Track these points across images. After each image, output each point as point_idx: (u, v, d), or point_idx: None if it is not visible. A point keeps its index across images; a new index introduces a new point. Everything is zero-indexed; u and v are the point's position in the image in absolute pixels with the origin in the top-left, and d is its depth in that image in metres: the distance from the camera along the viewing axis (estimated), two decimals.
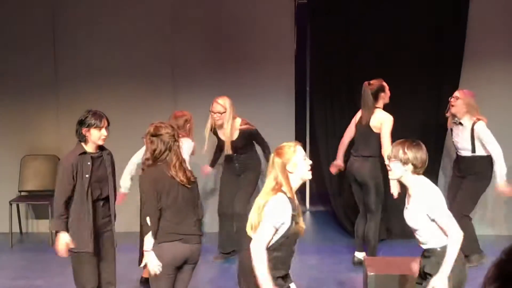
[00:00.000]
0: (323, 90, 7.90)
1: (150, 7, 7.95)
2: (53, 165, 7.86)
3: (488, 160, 6.61)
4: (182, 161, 4.73)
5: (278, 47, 7.93)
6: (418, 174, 4.25)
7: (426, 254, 4.33)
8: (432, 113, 7.64)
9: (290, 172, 4.12)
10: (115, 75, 7.97)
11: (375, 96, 6.64)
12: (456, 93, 6.72)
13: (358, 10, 7.74)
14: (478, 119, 6.58)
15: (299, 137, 8.35)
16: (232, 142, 6.82)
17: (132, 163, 6.41)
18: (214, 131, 6.91)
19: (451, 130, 6.85)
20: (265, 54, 7.92)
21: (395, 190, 6.24)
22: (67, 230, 4.98)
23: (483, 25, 7.66)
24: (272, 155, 4.19)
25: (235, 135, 6.81)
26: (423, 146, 4.33)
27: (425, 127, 7.64)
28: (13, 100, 8.05)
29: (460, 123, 6.65)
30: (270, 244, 4.07)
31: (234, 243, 6.97)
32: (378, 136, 6.58)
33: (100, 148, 5.14)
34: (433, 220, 4.19)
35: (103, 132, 5.03)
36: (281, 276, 4.15)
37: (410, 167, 4.21)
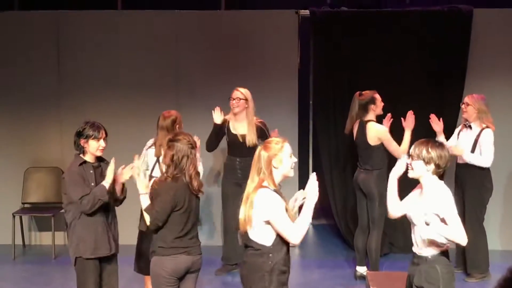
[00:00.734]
0: (326, 102, 7.91)
1: (153, 20, 7.99)
2: (57, 177, 7.87)
3: (486, 169, 6.64)
4: (197, 172, 4.73)
5: (282, 60, 7.96)
6: (438, 174, 4.27)
7: (415, 260, 4.32)
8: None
9: (275, 167, 4.19)
10: (118, 87, 8.00)
11: (364, 108, 6.65)
12: (466, 99, 6.75)
13: (361, 24, 7.77)
14: (487, 126, 6.60)
15: (302, 149, 8.38)
16: (244, 136, 6.74)
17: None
18: (227, 128, 6.84)
19: (458, 135, 6.86)
20: (268, 67, 7.94)
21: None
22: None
23: (485, 40, 7.71)
24: (259, 147, 4.25)
25: (250, 129, 6.74)
26: (446, 146, 4.39)
27: (428, 137, 7.62)
28: (17, 112, 8.08)
29: (470, 126, 6.69)
30: (271, 243, 4.13)
31: (238, 255, 6.95)
32: (377, 149, 6.60)
33: (98, 159, 5.18)
34: (442, 220, 4.17)
35: (101, 143, 5.08)
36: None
37: (432, 166, 4.23)
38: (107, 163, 5.19)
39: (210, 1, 8.39)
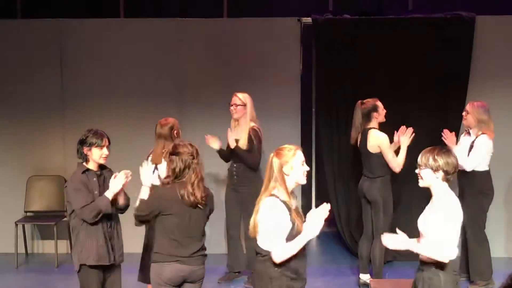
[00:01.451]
0: (329, 109, 7.90)
1: (156, 28, 8.00)
2: (59, 185, 7.86)
3: (485, 175, 6.63)
4: (201, 179, 4.71)
5: (284, 67, 7.96)
6: (448, 181, 4.26)
7: (421, 267, 4.32)
8: (439, 131, 7.59)
9: (286, 174, 4.18)
10: (121, 95, 8.01)
11: (367, 116, 6.66)
12: (467, 107, 6.75)
13: (363, 31, 7.77)
14: (484, 133, 6.59)
15: (305, 157, 8.34)
16: (237, 140, 6.69)
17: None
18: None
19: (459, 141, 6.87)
20: (271, 74, 7.94)
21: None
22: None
23: (488, 47, 7.71)
24: (271, 154, 4.25)
25: (244, 133, 6.70)
26: (453, 151, 4.38)
27: (432, 145, 7.61)
28: (19, 121, 8.09)
29: (469, 133, 6.71)
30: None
31: (242, 263, 6.94)
32: (378, 156, 6.60)
33: (101, 167, 5.17)
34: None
35: (104, 151, 5.07)
36: None
37: (440, 174, 4.22)
38: (110, 171, 5.19)
39: (212, 9, 8.40)
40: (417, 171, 4.33)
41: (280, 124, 7.81)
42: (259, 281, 4.20)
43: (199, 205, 4.66)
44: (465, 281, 6.78)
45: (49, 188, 8.03)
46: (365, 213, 6.84)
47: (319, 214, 4.14)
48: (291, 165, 4.18)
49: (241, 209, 6.83)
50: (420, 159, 4.29)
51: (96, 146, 5.03)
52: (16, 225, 7.81)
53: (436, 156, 4.23)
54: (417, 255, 4.39)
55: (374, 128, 6.66)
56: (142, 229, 6.09)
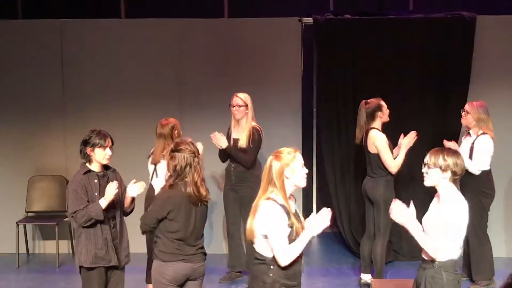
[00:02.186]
0: (330, 110, 7.90)
1: (157, 28, 8.00)
2: (61, 185, 7.87)
3: (486, 174, 6.63)
4: (202, 178, 4.72)
5: (285, 68, 7.96)
6: (455, 182, 4.27)
7: (423, 265, 4.31)
8: (440, 130, 7.61)
9: (287, 178, 4.14)
10: (122, 96, 8.01)
11: (372, 116, 6.66)
12: (466, 107, 6.75)
13: (364, 31, 7.77)
14: (484, 133, 6.59)
15: (306, 158, 8.32)
16: (236, 140, 6.70)
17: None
18: (229, 134, 6.84)
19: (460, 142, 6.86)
20: (271, 75, 7.94)
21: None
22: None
23: (489, 47, 7.71)
24: (270, 158, 4.18)
25: (245, 133, 6.72)
26: (461, 153, 4.39)
27: (434, 145, 7.61)
28: (20, 121, 8.09)
29: (469, 133, 6.71)
30: (273, 255, 4.08)
31: (243, 262, 6.94)
32: (378, 157, 6.60)
33: (104, 167, 5.16)
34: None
35: (108, 151, 5.05)
36: None
37: (448, 174, 4.23)
38: (114, 171, 5.19)
39: (214, 9, 8.40)
40: (424, 170, 4.33)
41: (281, 124, 7.81)
42: (254, 284, 4.19)
43: (203, 203, 4.71)
44: (467, 281, 6.78)
45: (50, 188, 8.03)
46: (368, 213, 6.84)
47: (319, 223, 4.11)
48: (292, 168, 4.14)
49: (241, 208, 6.85)
50: (429, 158, 4.29)
51: (99, 147, 5.02)
52: (18, 225, 7.81)
53: (446, 156, 4.24)
54: (418, 255, 4.40)
55: (375, 128, 6.66)
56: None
